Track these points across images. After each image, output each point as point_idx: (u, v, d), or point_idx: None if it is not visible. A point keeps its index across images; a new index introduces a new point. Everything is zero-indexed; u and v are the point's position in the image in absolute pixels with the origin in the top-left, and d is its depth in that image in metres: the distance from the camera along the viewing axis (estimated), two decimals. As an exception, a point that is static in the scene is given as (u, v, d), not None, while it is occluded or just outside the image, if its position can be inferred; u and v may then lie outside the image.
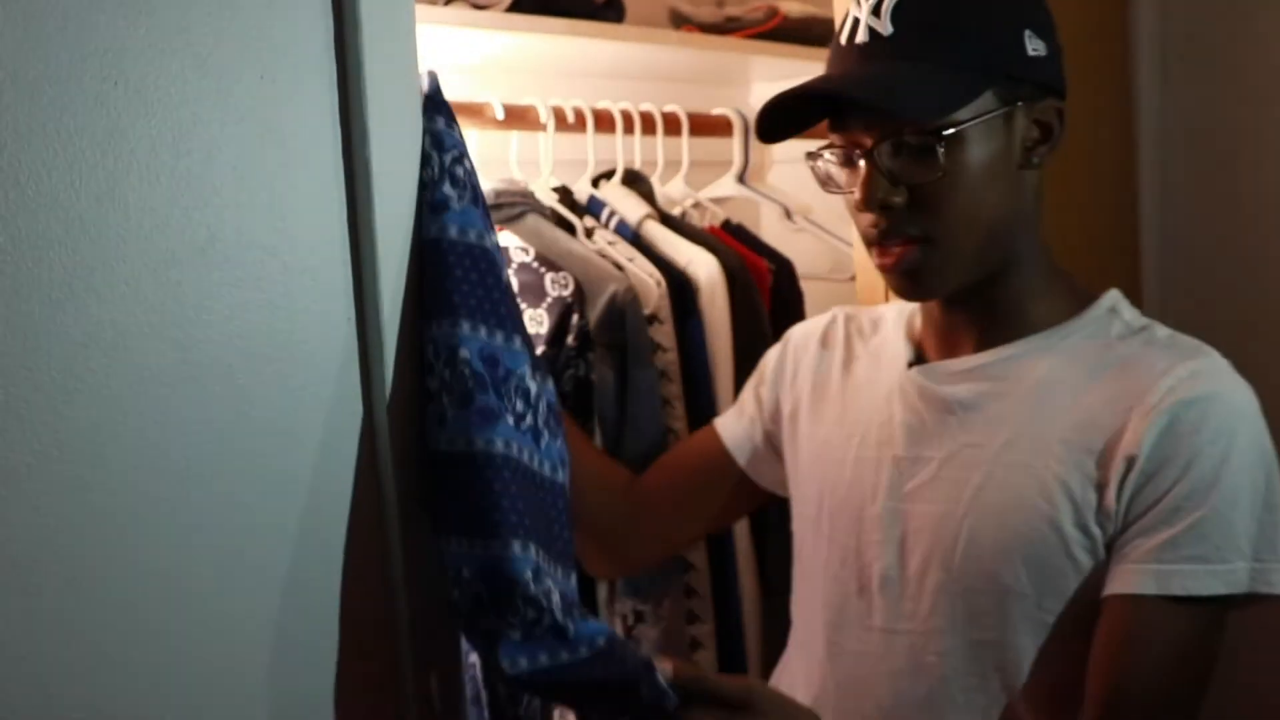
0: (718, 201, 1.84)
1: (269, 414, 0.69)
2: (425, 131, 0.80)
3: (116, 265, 0.62)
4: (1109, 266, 1.85)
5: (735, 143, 1.82)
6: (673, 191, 1.77)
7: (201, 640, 0.66)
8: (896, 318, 1.16)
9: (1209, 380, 0.97)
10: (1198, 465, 0.93)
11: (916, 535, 1.03)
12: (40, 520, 0.60)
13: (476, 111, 1.47)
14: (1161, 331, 1.03)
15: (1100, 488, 0.96)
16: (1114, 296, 1.07)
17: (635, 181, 1.68)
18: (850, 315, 1.21)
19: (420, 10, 0.82)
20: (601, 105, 1.62)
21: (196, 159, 0.66)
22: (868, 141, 0.99)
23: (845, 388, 1.15)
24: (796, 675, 1.12)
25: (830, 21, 1.61)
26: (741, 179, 1.85)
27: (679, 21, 1.93)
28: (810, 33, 1.87)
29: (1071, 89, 1.06)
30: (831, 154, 1.03)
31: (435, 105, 0.83)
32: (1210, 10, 1.82)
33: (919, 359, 1.11)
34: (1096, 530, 0.96)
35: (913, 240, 0.99)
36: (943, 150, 0.95)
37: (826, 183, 1.05)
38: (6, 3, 0.58)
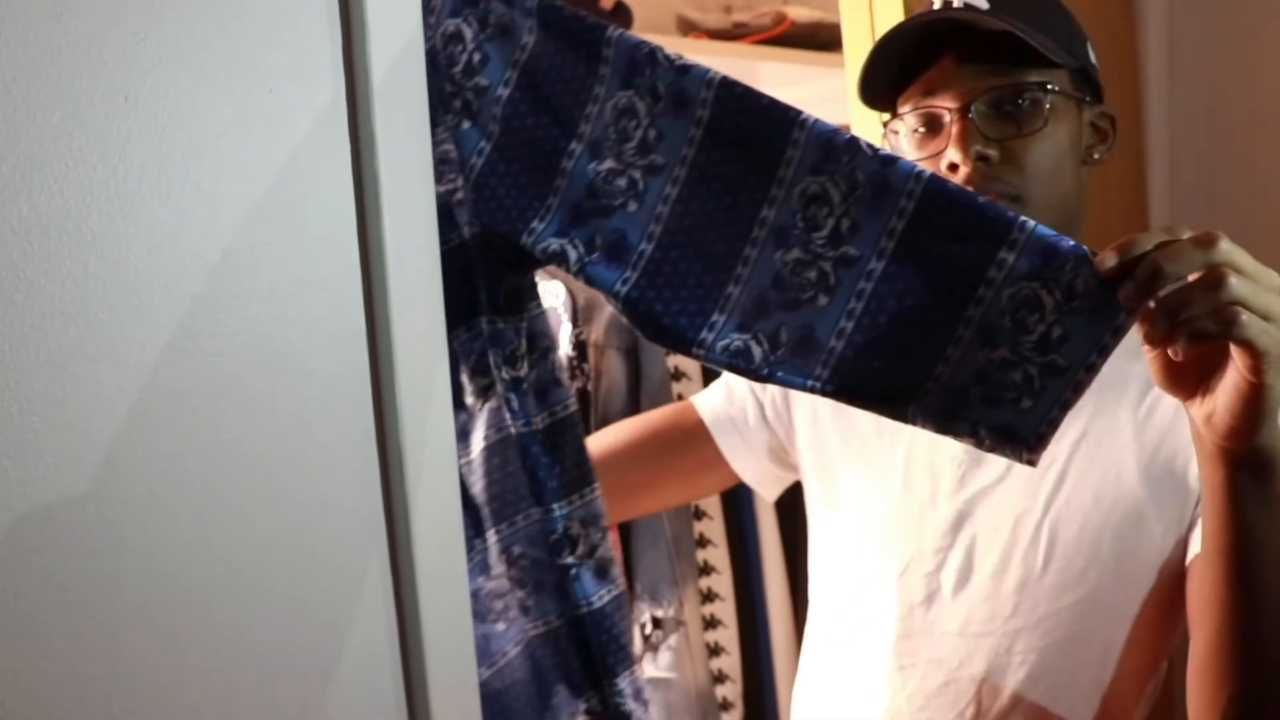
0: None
1: (280, 426, 0.69)
2: None
3: (129, 280, 0.63)
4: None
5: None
6: (682, 198, 1.76)
7: (206, 649, 0.66)
8: None
9: None
10: None
11: (991, 536, 1.02)
12: (55, 533, 0.60)
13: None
14: None
15: (1185, 465, 0.95)
16: None
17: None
18: None
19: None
20: (610, 113, 1.62)
21: (206, 173, 0.66)
22: (953, 104, 0.99)
23: None
24: (852, 693, 1.08)
25: (837, 27, 1.61)
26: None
27: (686, 28, 1.93)
28: (818, 38, 1.87)
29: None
30: (915, 119, 1.03)
31: None
32: (1218, 10, 1.81)
33: None
34: (1179, 508, 0.95)
35: (1003, 196, 0.99)
36: (1048, 104, 0.98)
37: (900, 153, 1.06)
38: (16, 22, 0.59)
